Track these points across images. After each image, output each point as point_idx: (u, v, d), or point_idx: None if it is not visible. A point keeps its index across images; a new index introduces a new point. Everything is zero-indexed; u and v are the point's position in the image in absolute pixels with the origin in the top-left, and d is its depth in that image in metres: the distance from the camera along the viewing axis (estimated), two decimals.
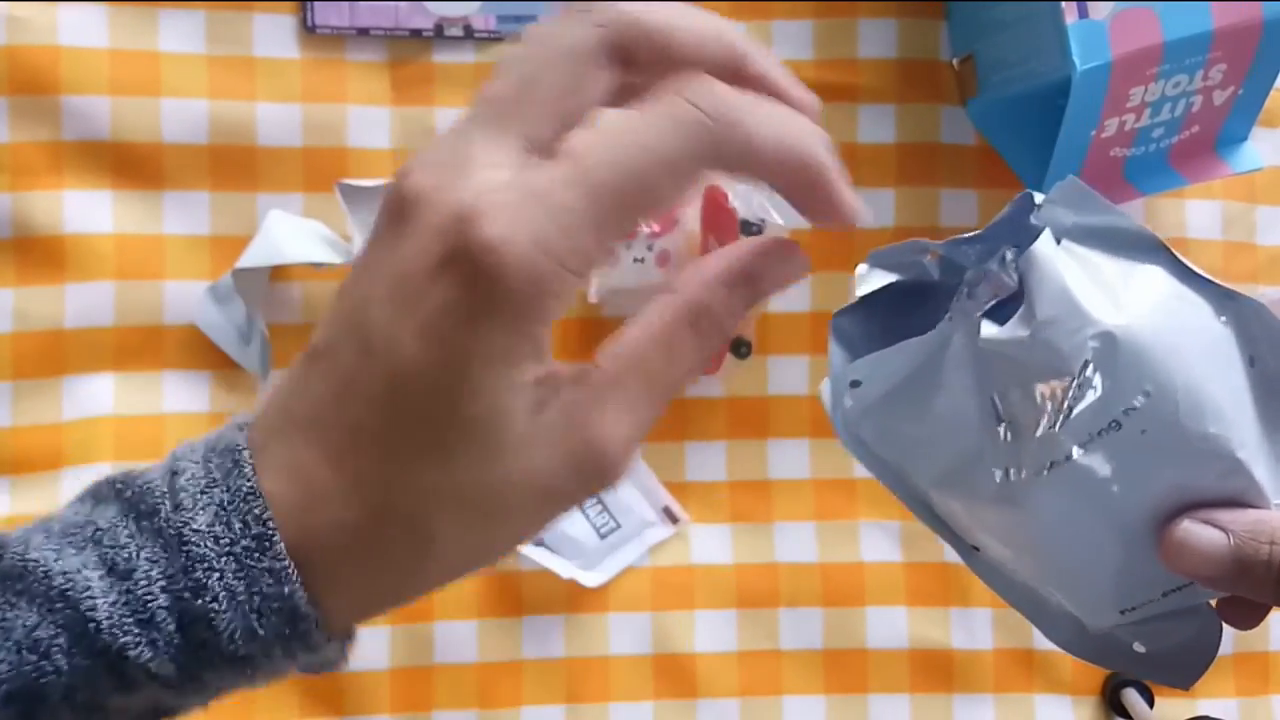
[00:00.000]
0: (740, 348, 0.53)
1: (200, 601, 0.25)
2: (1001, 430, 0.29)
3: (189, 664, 0.26)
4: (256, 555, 0.25)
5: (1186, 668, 0.32)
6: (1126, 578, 0.30)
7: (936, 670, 0.53)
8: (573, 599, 0.52)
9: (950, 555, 0.54)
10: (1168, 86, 0.47)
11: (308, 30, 0.52)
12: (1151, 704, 0.52)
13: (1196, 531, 0.29)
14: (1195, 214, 0.55)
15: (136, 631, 0.25)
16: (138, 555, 0.25)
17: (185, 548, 0.25)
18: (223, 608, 0.25)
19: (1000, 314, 0.29)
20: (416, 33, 0.52)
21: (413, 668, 0.51)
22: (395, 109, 0.53)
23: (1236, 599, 0.31)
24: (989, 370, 0.29)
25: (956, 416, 0.29)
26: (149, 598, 0.25)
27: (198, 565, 0.25)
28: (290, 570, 0.26)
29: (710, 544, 0.54)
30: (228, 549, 0.25)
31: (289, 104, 0.52)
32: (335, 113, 0.52)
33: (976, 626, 0.54)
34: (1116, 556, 0.29)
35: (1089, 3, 0.45)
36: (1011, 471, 0.29)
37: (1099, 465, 0.28)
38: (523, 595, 0.52)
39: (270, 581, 0.25)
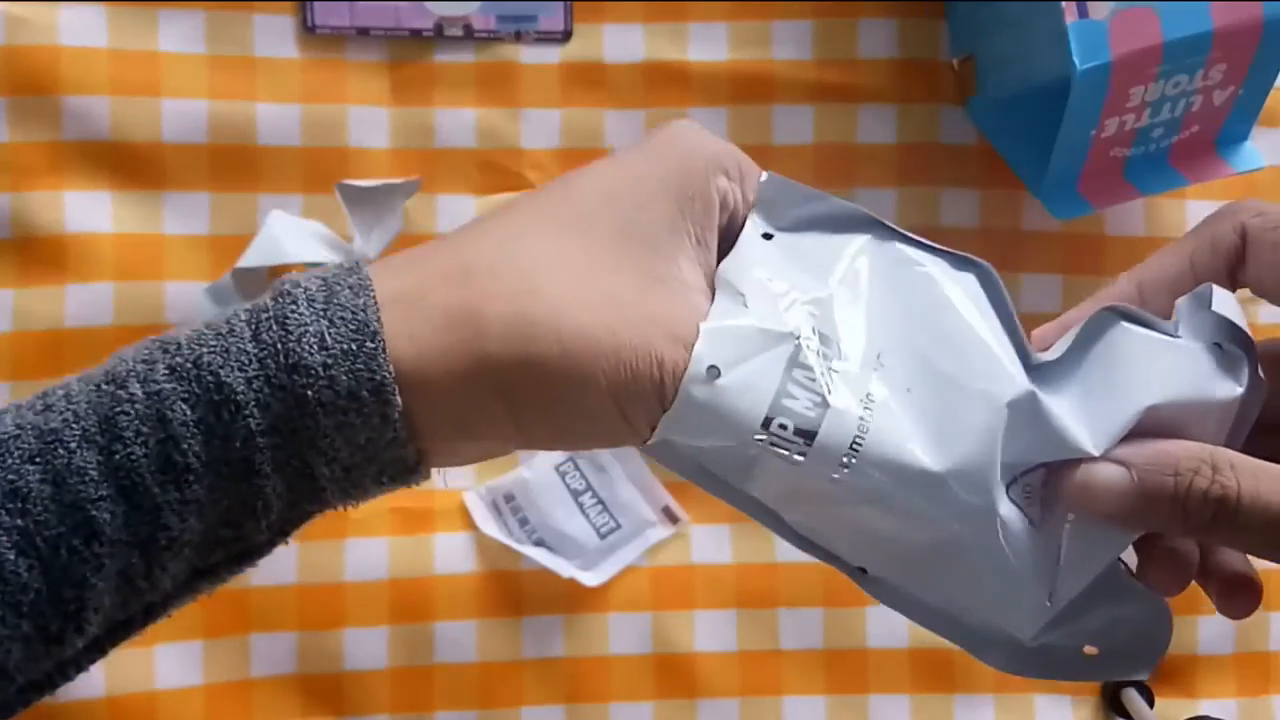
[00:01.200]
0: None
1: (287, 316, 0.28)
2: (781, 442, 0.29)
3: (278, 396, 0.28)
4: (337, 289, 0.29)
5: (1141, 656, 0.31)
6: (1022, 561, 0.29)
7: (936, 670, 0.53)
8: (573, 599, 0.52)
9: None
10: (1168, 86, 0.47)
11: (308, 30, 0.52)
12: (1152, 704, 0.52)
13: (1096, 470, 0.28)
14: (1195, 214, 0.55)
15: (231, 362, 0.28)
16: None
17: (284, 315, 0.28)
18: (300, 308, 0.28)
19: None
20: (416, 33, 0.52)
21: (413, 668, 0.51)
22: (395, 109, 0.53)
23: (1156, 561, 0.31)
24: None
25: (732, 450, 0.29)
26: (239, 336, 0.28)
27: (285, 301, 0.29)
28: (365, 293, 0.28)
29: (710, 544, 0.54)
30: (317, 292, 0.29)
31: (289, 104, 0.52)
32: (335, 113, 0.52)
33: None
34: (975, 539, 0.28)
35: (1089, 3, 0.45)
36: (836, 477, 0.29)
37: (889, 420, 0.28)
38: (523, 595, 0.52)
39: (345, 310, 0.28)
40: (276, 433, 0.28)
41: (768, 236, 0.30)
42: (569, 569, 0.52)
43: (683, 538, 0.53)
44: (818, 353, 0.28)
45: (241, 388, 0.27)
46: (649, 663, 0.53)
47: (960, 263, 0.30)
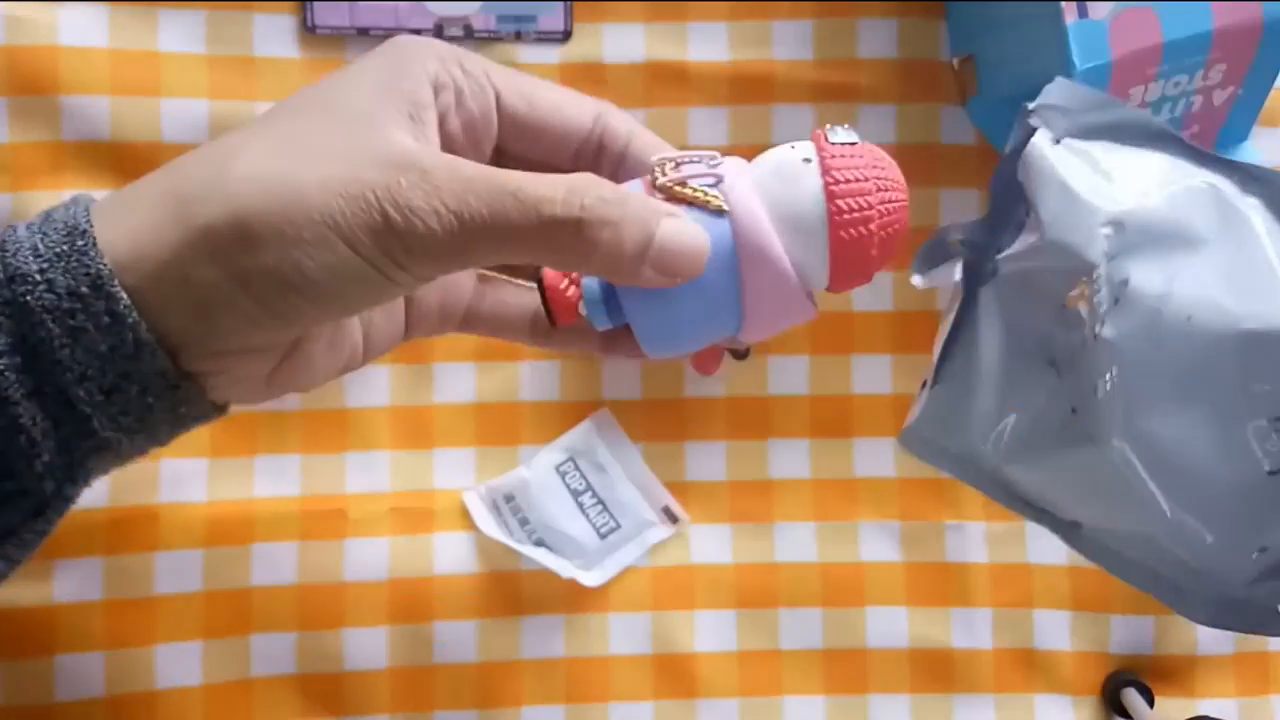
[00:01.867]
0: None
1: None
2: (1053, 373, 0.28)
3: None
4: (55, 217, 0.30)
5: None
6: (1244, 499, 0.28)
7: (936, 670, 0.53)
8: (573, 599, 0.52)
9: (950, 555, 0.54)
10: (1168, 86, 0.47)
11: (308, 30, 0.52)
12: (1152, 704, 0.52)
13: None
14: None
15: None
16: None
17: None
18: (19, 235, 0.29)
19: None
20: (416, 33, 0.52)
21: (412, 668, 0.51)
22: None
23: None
24: (1020, 317, 0.28)
25: (1005, 381, 0.29)
26: None
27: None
28: (78, 205, 0.30)
29: (710, 544, 0.54)
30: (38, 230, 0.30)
31: None
32: None
33: (976, 626, 0.54)
34: (1224, 472, 0.28)
35: (1089, 3, 0.45)
36: (1076, 408, 0.28)
37: (1150, 356, 0.27)
38: (523, 595, 0.52)
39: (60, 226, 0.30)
40: (15, 352, 0.28)
41: (1056, 142, 0.30)
42: (569, 569, 0.52)
43: (683, 538, 0.53)
44: (1105, 278, 0.27)
45: None
46: (649, 663, 0.53)
47: (1247, 181, 0.29)
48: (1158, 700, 0.53)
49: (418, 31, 0.52)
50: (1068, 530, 0.31)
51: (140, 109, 0.51)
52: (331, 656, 0.51)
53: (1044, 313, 0.28)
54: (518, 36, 0.53)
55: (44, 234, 0.29)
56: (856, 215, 0.29)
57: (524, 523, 0.52)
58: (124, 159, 0.51)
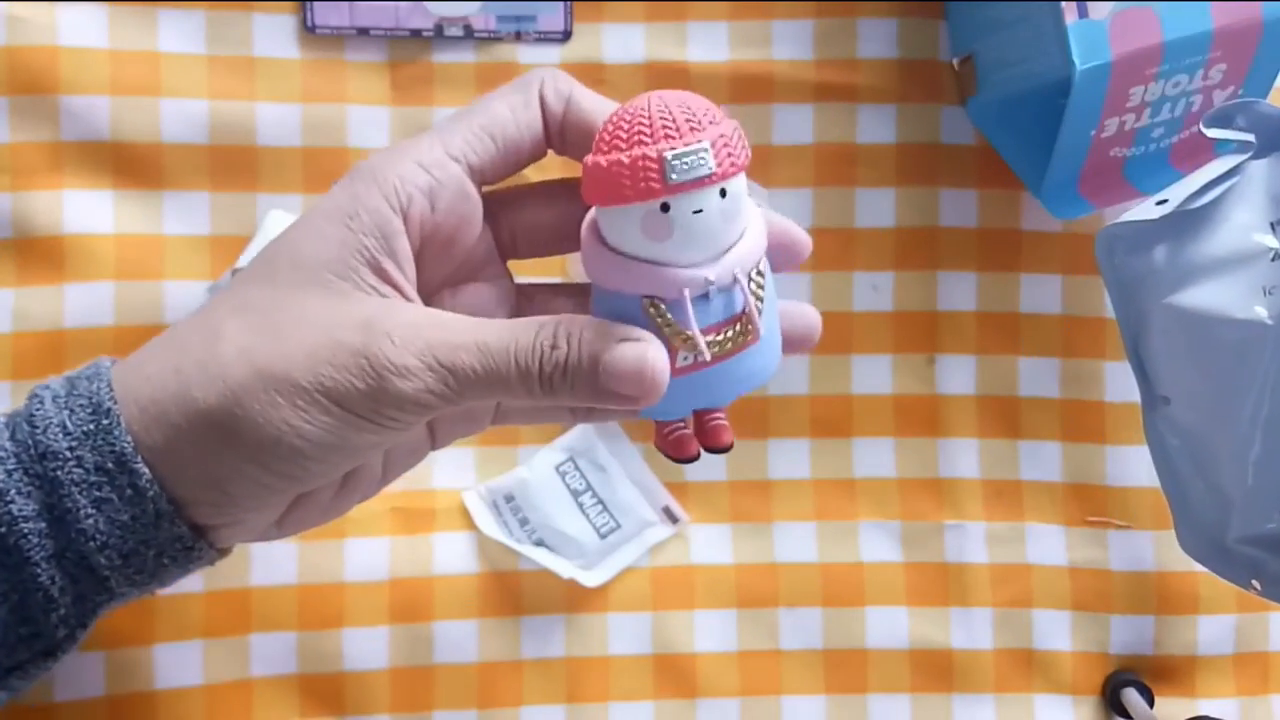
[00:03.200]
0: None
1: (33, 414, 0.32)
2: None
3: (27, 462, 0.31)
4: (76, 386, 0.32)
5: None
6: None
7: (936, 670, 0.53)
8: (573, 599, 0.52)
9: (950, 555, 0.54)
10: (1168, 86, 0.47)
11: (308, 30, 0.52)
12: (1152, 704, 0.52)
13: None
14: None
15: None
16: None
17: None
18: (46, 405, 0.31)
19: None
20: (416, 33, 0.52)
21: (412, 668, 0.51)
22: (395, 109, 0.53)
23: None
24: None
25: (1229, 238, 0.30)
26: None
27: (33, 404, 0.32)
28: (99, 378, 0.32)
29: (710, 544, 0.54)
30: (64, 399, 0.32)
31: (289, 104, 0.52)
32: (335, 113, 0.52)
33: (976, 626, 0.54)
34: None
35: (1089, 3, 0.45)
36: (1269, 290, 0.29)
37: None
38: (523, 595, 0.52)
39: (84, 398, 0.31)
40: (41, 519, 0.30)
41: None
42: (569, 569, 0.52)
43: (683, 538, 0.53)
44: None
45: (1, 478, 0.30)
46: (649, 663, 0.53)
47: None
48: (1158, 700, 0.53)
49: (417, 32, 0.52)
50: (1154, 402, 0.32)
51: (140, 109, 0.51)
52: (331, 656, 0.51)
53: None
54: (518, 36, 0.53)
55: (70, 410, 0.31)
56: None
57: (524, 523, 0.52)
58: (124, 159, 0.51)
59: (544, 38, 0.53)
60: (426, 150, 0.33)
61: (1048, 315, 0.55)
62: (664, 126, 0.30)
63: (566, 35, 0.53)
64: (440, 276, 0.36)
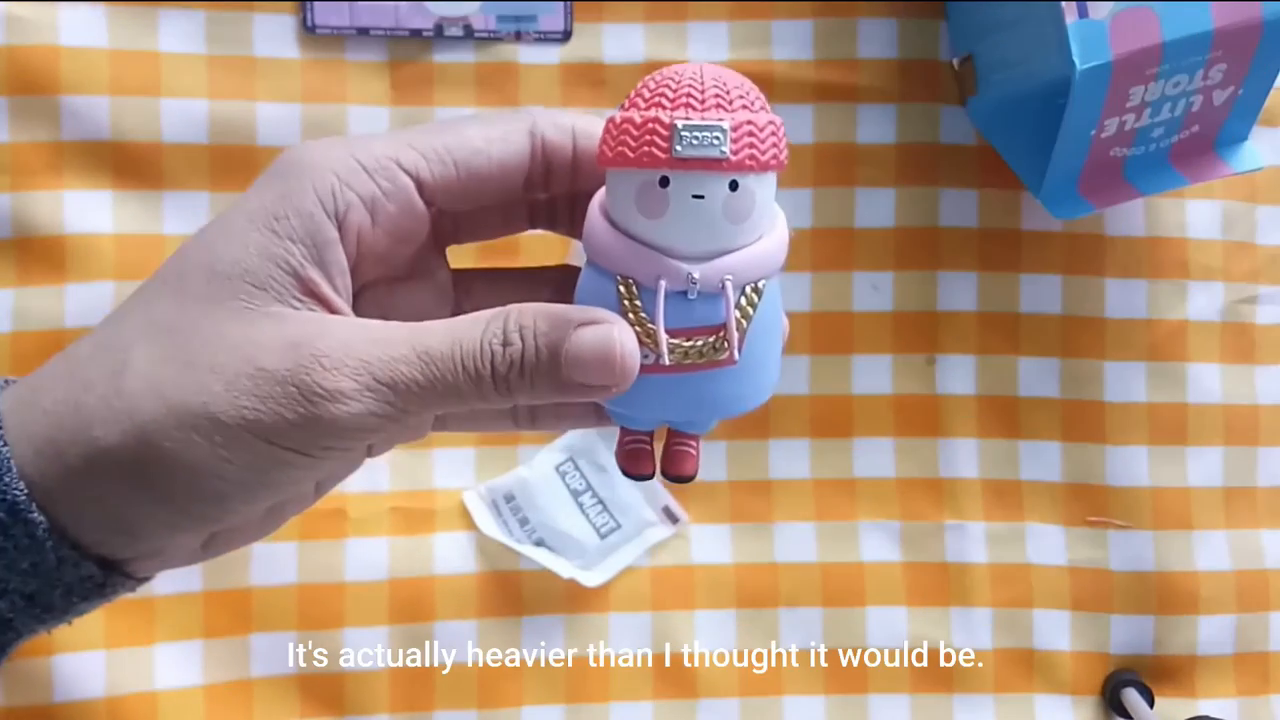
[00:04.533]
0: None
1: None
2: None
3: None
4: None
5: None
6: None
7: (936, 670, 0.53)
8: (573, 599, 0.52)
9: (950, 555, 0.54)
10: (1168, 86, 0.47)
11: (308, 30, 0.52)
12: (1152, 704, 0.52)
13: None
14: (1195, 214, 0.55)
15: None
16: None
17: None
18: None
19: None
20: (416, 33, 0.52)
21: (413, 668, 0.51)
22: (395, 109, 0.53)
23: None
24: None
25: None
26: None
27: None
28: None
29: (710, 544, 0.54)
30: None
31: (289, 104, 0.52)
32: (335, 113, 0.52)
33: (976, 626, 0.54)
34: None
35: (1089, 3, 0.45)
36: None
37: None
38: (523, 595, 0.52)
39: None
40: None
41: None
42: (569, 569, 0.52)
43: (683, 538, 0.53)
44: None
45: None
46: (649, 663, 0.53)
47: None
48: (1158, 700, 0.53)
49: (417, 32, 0.52)
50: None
51: (140, 109, 0.51)
52: (331, 656, 0.51)
53: None
54: (518, 36, 0.53)
55: None
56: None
57: (524, 523, 0.52)
58: (124, 159, 0.51)
59: (544, 38, 0.53)
60: (373, 151, 0.29)
61: (1048, 315, 0.55)
62: (688, 94, 0.27)
63: (566, 35, 0.53)
64: (371, 279, 0.31)
